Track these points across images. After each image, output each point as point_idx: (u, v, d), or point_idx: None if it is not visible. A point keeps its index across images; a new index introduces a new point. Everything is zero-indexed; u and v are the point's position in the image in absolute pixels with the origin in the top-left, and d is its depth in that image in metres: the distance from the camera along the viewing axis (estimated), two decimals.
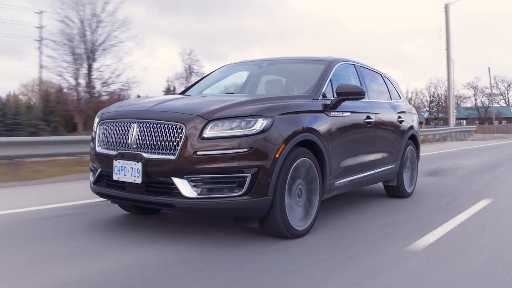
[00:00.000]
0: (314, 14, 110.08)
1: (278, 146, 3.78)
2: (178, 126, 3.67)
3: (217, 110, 3.75)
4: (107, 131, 4.09)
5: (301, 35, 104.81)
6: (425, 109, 74.13)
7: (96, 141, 4.20)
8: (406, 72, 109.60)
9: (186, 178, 3.62)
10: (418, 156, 6.97)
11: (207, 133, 3.63)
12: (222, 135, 3.64)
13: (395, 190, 6.30)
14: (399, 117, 6.24)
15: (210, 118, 3.67)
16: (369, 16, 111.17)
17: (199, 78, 5.82)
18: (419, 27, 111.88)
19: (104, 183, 4.14)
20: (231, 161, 3.60)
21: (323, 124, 4.39)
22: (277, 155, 3.75)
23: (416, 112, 7.17)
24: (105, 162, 4.05)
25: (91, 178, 4.32)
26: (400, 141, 6.20)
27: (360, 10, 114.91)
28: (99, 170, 4.13)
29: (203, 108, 3.80)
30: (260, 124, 3.71)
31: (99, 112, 4.46)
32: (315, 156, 4.24)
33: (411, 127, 6.58)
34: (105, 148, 4.10)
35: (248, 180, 3.62)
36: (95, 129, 4.31)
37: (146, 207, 4.60)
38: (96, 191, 4.22)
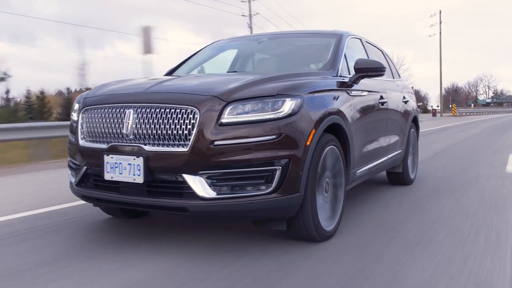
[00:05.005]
0: None
1: (309, 131, 3.13)
2: (189, 110, 2.94)
3: (236, 89, 3.05)
4: (94, 120, 3.30)
5: (314, 17, 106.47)
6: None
7: (79, 133, 3.40)
8: (418, 52, 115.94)
9: (202, 175, 2.91)
10: (418, 139, 6.50)
11: (226, 117, 2.92)
12: (244, 119, 2.94)
13: (399, 177, 5.79)
14: (404, 97, 5.73)
15: (228, 99, 2.96)
16: None
17: (186, 57, 5.01)
18: (433, 7, 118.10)
19: (91, 184, 3.36)
20: (257, 152, 2.92)
21: (347, 105, 3.78)
22: (308, 143, 3.11)
23: (413, 92, 6.68)
24: (92, 158, 3.26)
25: (72, 178, 3.53)
26: (405, 123, 5.69)
27: None
28: (84, 168, 3.35)
29: (218, 87, 3.09)
30: (289, 105, 3.04)
31: (78, 96, 3.66)
32: (339, 142, 3.63)
33: (413, 108, 6.10)
34: (91, 141, 3.32)
35: (277, 174, 2.95)
36: (75, 118, 3.52)
37: (133, 210, 3.85)
38: (80, 194, 3.42)
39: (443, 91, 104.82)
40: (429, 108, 79.00)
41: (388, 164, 5.17)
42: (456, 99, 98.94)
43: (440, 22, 37.13)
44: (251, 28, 38.34)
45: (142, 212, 4.06)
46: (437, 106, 69.74)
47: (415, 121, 6.17)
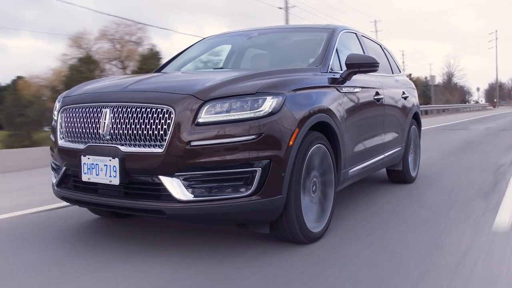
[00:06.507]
0: None
1: (292, 130, 3.01)
2: (165, 110, 2.84)
3: (214, 87, 2.94)
4: (71, 120, 3.22)
5: (347, 12, 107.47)
6: None
7: (58, 132, 3.32)
8: (457, 46, 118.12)
9: (178, 177, 2.81)
10: (420, 136, 6.33)
11: (203, 117, 2.81)
12: (222, 119, 2.83)
13: (400, 175, 5.65)
14: (403, 92, 5.57)
15: (206, 97, 2.85)
16: None
17: (175, 54, 4.91)
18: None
19: (71, 185, 3.28)
20: (235, 152, 2.81)
21: (336, 102, 3.65)
22: (290, 142, 2.99)
23: (415, 87, 6.50)
24: (70, 158, 3.19)
25: (54, 179, 3.46)
26: (405, 120, 5.53)
27: None
28: (63, 169, 3.27)
29: (195, 85, 2.98)
30: (269, 103, 2.92)
31: (59, 95, 3.58)
32: (328, 141, 3.51)
33: (414, 104, 5.93)
34: (69, 141, 3.24)
35: (257, 175, 2.84)
36: (55, 117, 3.44)
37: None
38: (60, 196, 3.35)
39: (487, 87, 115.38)
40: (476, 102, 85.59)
41: (386, 162, 5.03)
42: (500, 94, 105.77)
43: (496, 39, 41.05)
44: (287, 21, 37.69)
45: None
46: (489, 101, 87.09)
47: (416, 117, 6.01)
